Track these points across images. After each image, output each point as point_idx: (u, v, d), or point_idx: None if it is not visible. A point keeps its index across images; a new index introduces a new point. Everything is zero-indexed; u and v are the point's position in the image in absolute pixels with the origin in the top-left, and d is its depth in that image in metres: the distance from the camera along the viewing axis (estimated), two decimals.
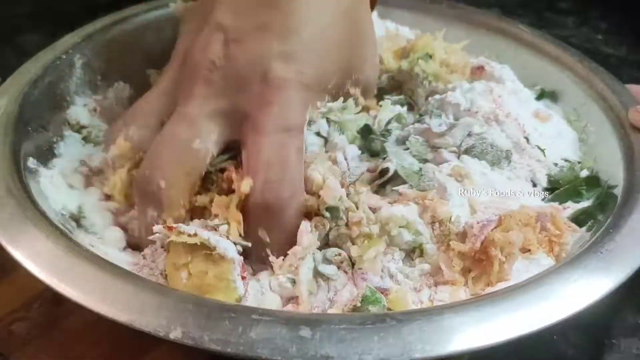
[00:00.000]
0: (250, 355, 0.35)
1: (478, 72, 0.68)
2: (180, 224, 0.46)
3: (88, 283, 0.40)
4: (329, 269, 0.47)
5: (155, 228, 0.46)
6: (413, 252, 0.49)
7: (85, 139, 0.64)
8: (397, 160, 0.54)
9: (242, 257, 0.46)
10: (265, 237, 0.47)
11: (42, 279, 0.40)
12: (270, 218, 0.47)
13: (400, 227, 0.48)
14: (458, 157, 0.58)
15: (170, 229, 0.45)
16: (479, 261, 0.47)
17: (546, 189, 0.59)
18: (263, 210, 0.47)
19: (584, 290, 0.42)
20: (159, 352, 0.48)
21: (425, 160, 0.56)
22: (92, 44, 0.67)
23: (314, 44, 0.51)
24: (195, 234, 0.43)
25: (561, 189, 0.58)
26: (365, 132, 0.59)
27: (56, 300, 0.51)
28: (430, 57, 0.64)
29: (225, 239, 0.45)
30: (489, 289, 0.46)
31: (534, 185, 0.59)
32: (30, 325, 0.50)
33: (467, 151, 0.58)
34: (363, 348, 0.36)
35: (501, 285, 0.46)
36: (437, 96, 0.63)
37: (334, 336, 0.36)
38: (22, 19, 1.02)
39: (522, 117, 0.63)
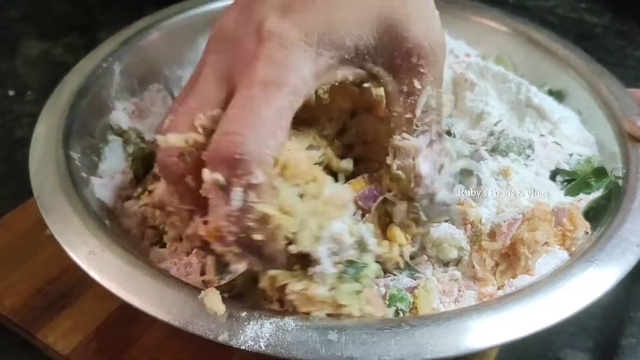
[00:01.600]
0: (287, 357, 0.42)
1: None
2: None
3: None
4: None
5: None
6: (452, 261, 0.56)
7: (126, 142, 0.69)
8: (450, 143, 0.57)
9: None
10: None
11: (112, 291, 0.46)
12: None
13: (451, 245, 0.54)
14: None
15: None
16: (507, 256, 0.53)
17: (565, 180, 0.65)
18: (215, 162, 0.39)
19: (572, 297, 0.48)
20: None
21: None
22: (128, 50, 0.72)
23: None
24: None
25: (572, 182, 0.64)
26: None
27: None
28: None
29: None
30: (513, 281, 0.53)
31: (555, 176, 0.65)
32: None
33: (494, 150, 0.64)
34: (382, 350, 0.42)
35: (524, 278, 0.52)
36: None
37: (357, 339, 0.43)
38: (16, 20, 1.06)
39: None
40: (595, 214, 0.58)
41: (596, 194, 0.61)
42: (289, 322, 0.44)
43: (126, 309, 0.46)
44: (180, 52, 0.77)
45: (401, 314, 0.49)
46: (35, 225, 0.64)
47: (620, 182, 0.59)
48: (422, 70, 0.46)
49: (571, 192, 0.63)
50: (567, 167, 0.65)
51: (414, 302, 0.50)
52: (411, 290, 0.51)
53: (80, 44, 0.95)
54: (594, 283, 0.48)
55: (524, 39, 0.79)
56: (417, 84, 0.46)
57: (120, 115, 0.69)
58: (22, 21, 1.04)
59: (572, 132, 0.70)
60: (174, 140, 0.43)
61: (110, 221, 0.57)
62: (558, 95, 0.75)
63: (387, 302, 0.50)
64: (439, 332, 0.44)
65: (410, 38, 0.45)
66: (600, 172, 0.63)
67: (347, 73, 0.46)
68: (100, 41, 0.72)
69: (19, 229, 0.65)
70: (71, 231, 0.50)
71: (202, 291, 0.45)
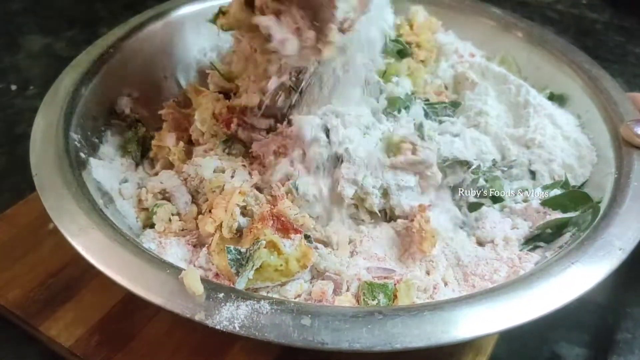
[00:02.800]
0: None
1: None
2: None
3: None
4: None
5: None
6: None
7: (129, 127, 0.71)
8: None
9: None
10: None
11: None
12: None
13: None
14: None
15: None
16: None
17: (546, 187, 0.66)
18: None
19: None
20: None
21: None
22: (136, 37, 0.75)
23: None
24: None
25: (551, 197, 0.64)
26: None
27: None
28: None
29: None
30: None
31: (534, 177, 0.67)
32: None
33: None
34: (353, 337, 0.44)
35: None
36: None
37: (329, 325, 0.44)
38: (18, 14, 1.07)
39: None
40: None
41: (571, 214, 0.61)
42: (265, 305, 0.45)
43: (128, 302, 0.46)
44: (188, 42, 0.80)
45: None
46: (37, 219, 0.65)
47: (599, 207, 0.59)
48: None
49: (550, 205, 0.62)
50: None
51: (394, 294, 0.52)
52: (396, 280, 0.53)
53: (81, 38, 0.96)
54: (571, 284, 0.49)
55: (528, 41, 0.80)
56: None
57: (125, 100, 0.72)
58: (24, 15, 1.05)
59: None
60: None
61: (106, 202, 0.59)
62: (560, 98, 0.75)
63: (367, 292, 0.52)
64: (412, 323, 0.45)
65: None
66: (579, 197, 0.62)
67: None
68: (101, 36, 0.74)
69: (21, 222, 0.66)
70: (63, 209, 0.53)
71: (183, 271, 0.47)
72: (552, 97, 0.75)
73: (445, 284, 0.55)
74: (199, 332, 0.44)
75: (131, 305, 0.48)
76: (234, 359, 0.54)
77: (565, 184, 0.65)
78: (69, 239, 0.50)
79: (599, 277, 0.49)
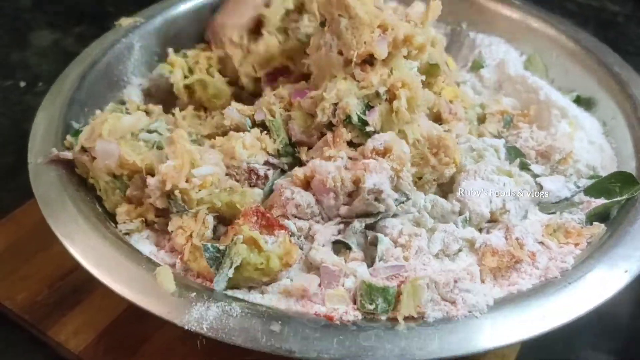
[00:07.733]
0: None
1: None
2: None
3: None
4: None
5: None
6: None
7: None
8: None
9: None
10: None
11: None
12: None
13: None
14: None
15: None
16: None
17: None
18: None
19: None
20: None
21: None
22: (150, 27, 0.75)
23: None
24: None
25: (593, 182, 0.62)
26: None
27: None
28: None
29: None
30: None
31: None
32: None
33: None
34: (322, 347, 0.44)
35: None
36: None
37: (299, 333, 0.45)
38: (26, 10, 1.07)
39: None
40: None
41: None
42: (235, 307, 0.46)
43: (137, 307, 0.47)
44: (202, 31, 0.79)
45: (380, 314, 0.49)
46: (45, 221, 0.62)
47: None
48: None
49: (590, 194, 0.61)
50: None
51: (397, 298, 0.48)
52: (398, 280, 0.50)
53: (90, 34, 0.95)
54: (566, 307, 0.48)
55: (558, 42, 0.77)
56: None
57: (134, 91, 0.72)
58: (32, 11, 1.04)
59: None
60: None
61: None
62: (586, 102, 0.74)
63: (364, 294, 0.48)
64: (385, 337, 0.45)
65: None
66: (626, 181, 0.59)
67: None
68: None
69: (29, 223, 0.68)
70: (55, 199, 0.54)
71: (157, 268, 0.48)
72: (578, 101, 0.73)
73: (483, 281, 0.53)
74: (209, 343, 0.42)
75: (141, 309, 0.46)
76: None
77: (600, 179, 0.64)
78: (53, 227, 0.51)
79: (598, 300, 0.48)
